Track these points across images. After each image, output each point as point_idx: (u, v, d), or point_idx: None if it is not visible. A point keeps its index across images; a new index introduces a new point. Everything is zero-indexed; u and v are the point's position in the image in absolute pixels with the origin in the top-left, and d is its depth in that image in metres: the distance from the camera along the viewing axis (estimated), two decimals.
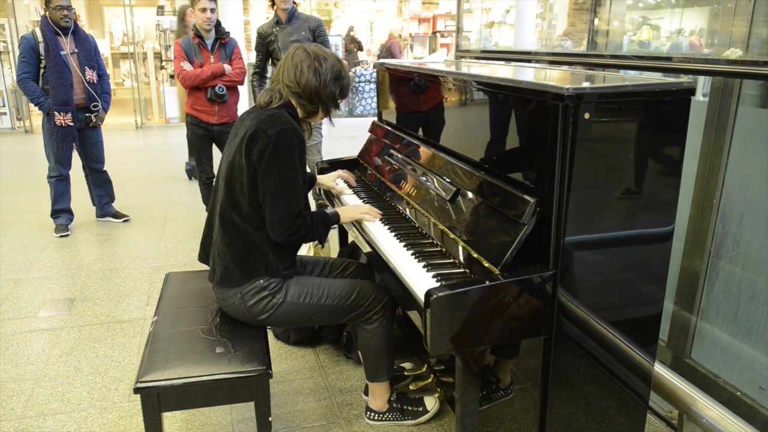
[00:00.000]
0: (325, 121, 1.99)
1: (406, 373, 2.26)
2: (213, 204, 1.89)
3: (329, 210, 2.00)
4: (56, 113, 3.75)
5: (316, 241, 1.96)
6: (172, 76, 8.95)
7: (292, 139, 1.71)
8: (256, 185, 1.74)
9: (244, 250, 1.78)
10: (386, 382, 2.04)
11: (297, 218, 1.75)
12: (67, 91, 3.76)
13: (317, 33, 3.85)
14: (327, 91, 1.82)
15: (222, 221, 1.80)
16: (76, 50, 3.82)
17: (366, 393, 2.13)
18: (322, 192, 2.46)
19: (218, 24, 3.74)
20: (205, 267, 1.97)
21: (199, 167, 3.93)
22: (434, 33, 12.57)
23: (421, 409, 2.08)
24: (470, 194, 1.65)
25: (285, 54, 1.89)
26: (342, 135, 8.21)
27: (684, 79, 1.74)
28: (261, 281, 1.79)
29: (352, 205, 2.09)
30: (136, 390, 1.55)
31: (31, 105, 6.27)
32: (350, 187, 2.39)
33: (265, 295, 1.80)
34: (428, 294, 1.32)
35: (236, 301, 1.80)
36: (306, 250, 2.96)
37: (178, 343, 1.72)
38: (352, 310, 1.89)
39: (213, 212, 1.88)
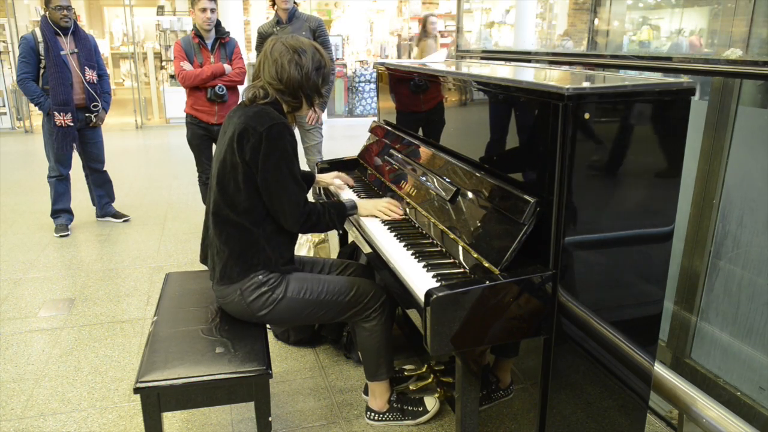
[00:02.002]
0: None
1: (406, 374, 2.26)
2: (208, 204, 1.89)
3: (347, 199, 2.02)
4: (56, 113, 3.75)
5: (334, 229, 1.97)
6: (172, 76, 8.95)
7: (283, 133, 1.73)
8: (253, 182, 1.74)
9: (241, 245, 1.78)
10: (386, 382, 2.04)
11: (305, 206, 1.80)
12: (67, 91, 3.76)
13: (318, 33, 3.85)
14: (310, 83, 1.82)
15: (217, 220, 1.80)
16: (76, 50, 3.82)
17: (366, 393, 2.14)
18: (321, 191, 2.47)
19: (218, 24, 3.74)
20: (206, 267, 1.97)
21: (198, 167, 3.93)
22: None
23: (421, 409, 2.08)
24: (470, 194, 1.65)
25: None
26: (342, 135, 8.21)
27: (684, 79, 1.74)
28: (260, 277, 1.80)
29: (371, 200, 2.06)
30: (136, 390, 1.56)
31: (31, 105, 6.26)
32: (349, 187, 2.39)
33: (265, 290, 1.80)
34: (428, 294, 1.32)
35: (236, 297, 1.80)
36: (306, 250, 2.96)
37: (178, 343, 1.72)
38: (351, 307, 1.90)
39: (209, 212, 1.88)
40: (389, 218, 1.96)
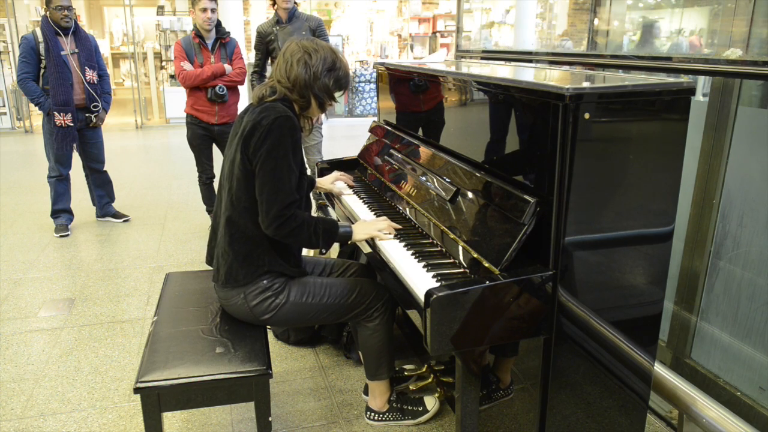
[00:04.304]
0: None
1: (406, 374, 2.26)
2: (217, 206, 1.88)
3: (344, 223, 1.90)
4: (56, 113, 3.75)
5: (316, 248, 1.86)
6: (172, 76, 8.95)
7: (283, 126, 1.68)
8: (253, 179, 1.72)
9: (246, 247, 1.78)
10: (386, 381, 2.04)
11: (286, 209, 1.69)
12: (67, 92, 3.76)
13: (317, 33, 3.85)
14: (319, 83, 1.78)
15: (225, 221, 1.80)
16: (76, 50, 3.82)
17: (366, 393, 2.14)
18: (322, 193, 2.47)
19: (219, 24, 3.74)
20: (207, 267, 1.97)
21: (199, 167, 3.93)
22: (434, 33, 12.55)
23: (421, 408, 2.08)
24: (470, 194, 1.65)
25: None
26: (342, 135, 8.21)
27: (684, 79, 1.74)
28: (265, 281, 1.79)
29: (368, 221, 1.93)
30: (136, 390, 1.55)
31: (32, 105, 6.27)
32: (349, 187, 2.39)
33: (269, 295, 1.79)
34: (428, 294, 1.32)
35: (239, 301, 1.80)
36: (306, 250, 2.96)
37: (178, 343, 1.72)
38: (354, 308, 1.90)
39: (217, 214, 1.87)
40: (384, 239, 1.83)
